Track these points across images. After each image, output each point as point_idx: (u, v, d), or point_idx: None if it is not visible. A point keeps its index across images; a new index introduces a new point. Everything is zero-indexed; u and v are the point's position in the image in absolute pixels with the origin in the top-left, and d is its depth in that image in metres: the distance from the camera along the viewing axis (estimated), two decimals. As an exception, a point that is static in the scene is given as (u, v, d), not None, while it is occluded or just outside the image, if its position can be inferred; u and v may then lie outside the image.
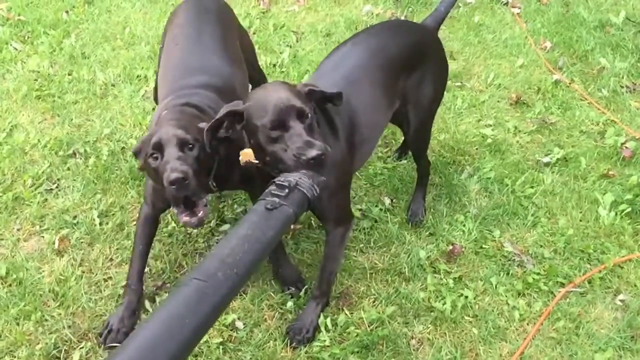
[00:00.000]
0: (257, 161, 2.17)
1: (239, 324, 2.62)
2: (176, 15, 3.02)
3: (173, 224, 2.99)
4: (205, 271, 1.66)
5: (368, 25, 4.57)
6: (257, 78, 3.30)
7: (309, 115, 2.14)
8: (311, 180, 1.99)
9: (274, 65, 4.16)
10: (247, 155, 2.18)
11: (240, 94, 2.69)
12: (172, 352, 1.50)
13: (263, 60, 4.16)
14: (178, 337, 1.52)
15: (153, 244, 2.90)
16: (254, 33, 4.48)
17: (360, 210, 3.15)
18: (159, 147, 2.29)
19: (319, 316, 2.63)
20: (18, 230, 2.94)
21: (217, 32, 2.87)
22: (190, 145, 2.29)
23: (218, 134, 2.24)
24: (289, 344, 2.55)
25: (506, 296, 2.80)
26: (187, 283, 1.64)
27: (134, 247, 2.65)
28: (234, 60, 2.88)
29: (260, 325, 2.63)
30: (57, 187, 3.17)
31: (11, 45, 4.19)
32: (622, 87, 4.14)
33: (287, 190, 1.92)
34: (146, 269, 2.81)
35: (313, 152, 2.03)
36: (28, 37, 4.29)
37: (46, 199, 3.10)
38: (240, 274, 1.69)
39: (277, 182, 1.96)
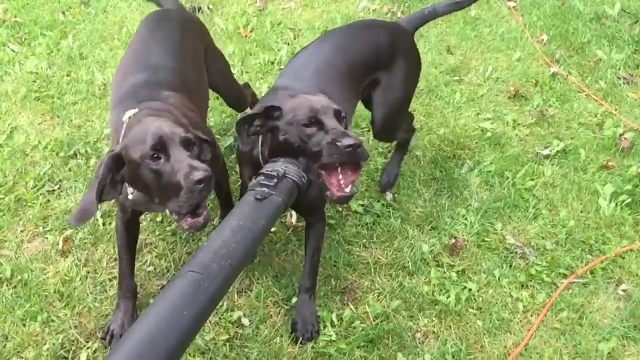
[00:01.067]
0: None
1: (245, 321, 2.63)
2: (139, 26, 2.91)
3: (175, 226, 3.00)
4: (200, 263, 1.70)
5: (365, 21, 4.62)
6: (235, 97, 3.26)
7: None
8: (297, 168, 2.02)
9: (272, 63, 4.17)
10: None
11: (193, 94, 2.62)
12: (172, 343, 1.53)
13: (261, 57, 4.17)
14: (177, 328, 1.56)
15: (157, 243, 2.94)
16: (251, 31, 4.48)
17: (362, 205, 3.17)
18: (162, 147, 2.05)
19: (315, 307, 2.65)
20: (21, 231, 2.94)
21: (173, 35, 2.74)
22: (194, 144, 2.15)
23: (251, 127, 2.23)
24: (297, 342, 2.56)
25: (509, 288, 2.82)
26: (183, 276, 1.67)
27: (120, 258, 2.57)
28: (188, 62, 2.73)
29: (265, 322, 2.64)
30: (59, 188, 3.17)
31: (8, 47, 4.18)
32: (619, 78, 4.16)
33: (275, 180, 1.96)
34: (150, 268, 2.84)
35: (350, 140, 2.07)
36: (25, 39, 4.28)
37: (48, 200, 3.10)
38: (234, 265, 1.73)
39: (265, 172, 1.99)
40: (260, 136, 2.31)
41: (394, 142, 3.28)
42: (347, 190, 2.14)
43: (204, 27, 3.10)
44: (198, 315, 1.60)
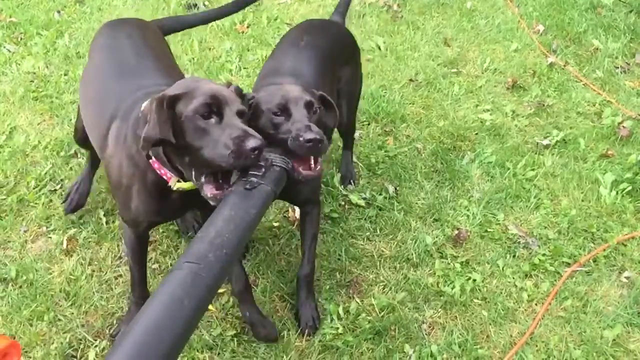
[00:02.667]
0: None
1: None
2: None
3: (179, 223, 3.00)
4: (196, 254, 1.72)
5: (361, 16, 4.63)
6: None
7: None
8: (282, 156, 2.08)
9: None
10: None
11: None
12: (176, 333, 1.55)
13: (259, 53, 4.17)
14: (179, 318, 1.58)
15: (161, 241, 2.95)
16: (248, 27, 4.48)
17: (364, 199, 3.17)
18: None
19: (315, 295, 2.67)
20: (25, 232, 2.93)
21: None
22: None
23: None
24: (304, 335, 2.57)
25: (513, 278, 2.84)
26: (180, 267, 1.69)
27: (132, 270, 2.49)
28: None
29: (272, 317, 2.65)
30: (61, 188, 3.16)
31: (4, 47, 4.16)
32: (616, 67, 4.18)
33: (263, 169, 1.99)
34: (155, 265, 2.84)
35: (311, 135, 2.10)
36: (21, 39, 4.26)
37: (51, 200, 3.09)
38: (230, 254, 1.77)
39: None
40: None
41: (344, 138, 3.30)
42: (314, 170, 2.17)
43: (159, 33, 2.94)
44: (198, 304, 1.63)
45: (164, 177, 2.06)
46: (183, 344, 1.60)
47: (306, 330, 2.58)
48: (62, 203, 3.02)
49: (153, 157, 2.05)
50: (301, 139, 2.10)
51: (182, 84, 2.03)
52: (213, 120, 1.91)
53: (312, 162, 2.17)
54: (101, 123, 2.29)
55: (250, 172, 1.96)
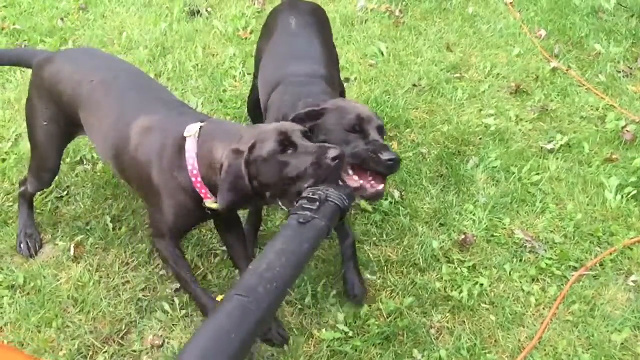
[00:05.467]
0: None
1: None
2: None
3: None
4: (246, 287, 1.71)
5: (363, 22, 4.65)
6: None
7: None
8: (340, 191, 2.03)
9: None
10: None
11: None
12: None
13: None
14: (227, 351, 1.58)
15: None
16: (251, 33, 4.49)
17: (371, 204, 3.18)
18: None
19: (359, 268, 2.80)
20: (32, 238, 2.94)
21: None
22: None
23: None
24: (353, 300, 2.71)
25: (521, 282, 2.84)
26: (230, 299, 1.68)
27: (186, 283, 2.45)
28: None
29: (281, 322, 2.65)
30: (67, 195, 3.17)
31: (9, 54, 4.17)
32: (618, 72, 4.19)
33: (318, 204, 1.96)
34: (163, 272, 2.84)
35: (392, 155, 2.32)
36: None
37: (57, 207, 3.10)
38: (280, 288, 1.74)
39: (307, 196, 2.00)
40: None
41: None
42: (380, 188, 2.35)
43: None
44: (246, 338, 1.62)
45: (202, 195, 2.27)
46: None
47: (355, 298, 2.70)
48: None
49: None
50: (382, 157, 2.28)
51: (249, 133, 2.21)
52: (289, 152, 2.13)
53: (379, 182, 2.35)
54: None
55: (304, 205, 1.96)
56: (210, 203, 2.28)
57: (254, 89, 3.33)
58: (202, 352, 1.55)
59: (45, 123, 2.65)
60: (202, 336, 1.59)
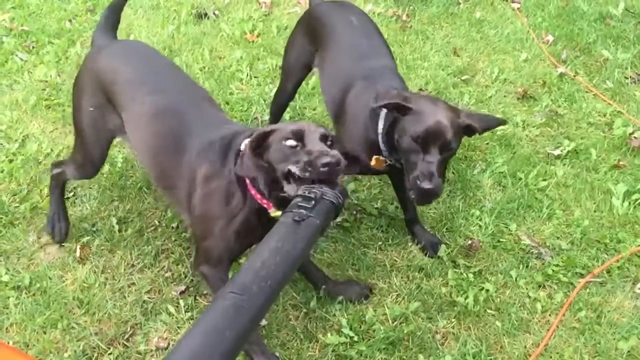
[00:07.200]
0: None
1: (264, 323, 2.63)
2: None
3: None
4: (240, 284, 1.70)
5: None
6: None
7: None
8: (334, 189, 2.03)
9: (280, 68, 4.17)
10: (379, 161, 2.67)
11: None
12: None
13: (269, 63, 4.18)
14: (219, 349, 1.57)
15: (173, 249, 2.95)
16: (258, 36, 4.49)
17: (376, 208, 3.17)
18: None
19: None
20: (38, 239, 2.94)
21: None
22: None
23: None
24: (427, 255, 2.95)
25: (527, 288, 2.83)
26: (224, 297, 1.67)
27: None
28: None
29: (286, 326, 2.64)
30: (73, 196, 3.17)
31: (17, 55, 4.18)
32: (626, 78, 4.19)
33: (313, 202, 1.95)
34: (168, 274, 2.84)
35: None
36: (33, 47, 4.28)
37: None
38: (274, 286, 1.74)
39: (303, 194, 1.99)
40: (382, 122, 2.61)
41: None
42: None
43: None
44: (239, 336, 1.61)
45: (264, 205, 2.26)
46: None
47: (429, 252, 2.96)
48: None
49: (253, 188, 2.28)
50: (421, 185, 2.43)
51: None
52: (298, 147, 2.14)
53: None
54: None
55: (299, 204, 1.95)
56: (274, 212, 2.25)
57: (282, 93, 3.38)
58: (196, 349, 1.54)
59: (91, 109, 2.65)
60: (195, 333, 1.59)
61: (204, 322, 1.63)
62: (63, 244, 2.93)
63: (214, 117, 2.56)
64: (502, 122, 2.76)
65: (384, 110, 2.60)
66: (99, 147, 2.73)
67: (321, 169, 2.04)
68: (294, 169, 2.09)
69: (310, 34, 3.13)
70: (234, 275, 1.81)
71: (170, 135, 2.47)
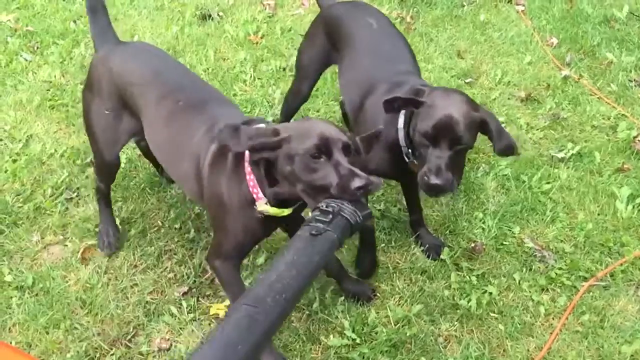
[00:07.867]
0: None
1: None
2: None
3: (194, 232, 3.00)
4: (255, 297, 1.68)
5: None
6: None
7: None
8: (353, 207, 2.01)
9: (284, 69, 4.18)
10: None
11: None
12: None
13: (273, 64, 4.18)
14: None
15: (176, 250, 2.95)
16: (262, 37, 4.50)
17: (379, 210, 3.17)
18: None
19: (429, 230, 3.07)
20: (41, 239, 2.95)
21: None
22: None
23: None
24: (430, 258, 2.95)
25: (530, 292, 2.82)
26: (238, 309, 1.66)
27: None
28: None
29: (289, 327, 2.64)
30: (77, 196, 3.18)
31: (21, 56, 4.19)
32: (630, 81, 4.17)
33: (330, 216, 1.93)
34: (170, 275, 2.84)
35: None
36: (37, 48, 4.30)
37: (67, 208, 3.11)
38: (289, 299, 1.71)
39: (321, 208, 1.98)
40: (402, 118, 2.58)
41: None
42: None
43: None
44: (252, 349, 1.59)
45: (254, 195, 2.21)
46: None
47: (431, 255, 2.96)
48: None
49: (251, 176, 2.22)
50: (428, 180, 2.40)
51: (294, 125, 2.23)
52: (322, 159, 2.08)
53: None
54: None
55: (317, 217, 1.93)
56: (263, 206, 2.22)
57: (296, 94, 3.34)
58: None
59: (107, 112, 2.65)
60: (209, 346, 1.58)
61: (217, 335, 1.62)
62: (66, 244, 2.93)
63: (234, 113, 2.54)
64: (516, 152, 2.64)
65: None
66: (114, 149, 2.72)
67: (357, 192, 2.01)
68: (330, 189, 2.05)
69: (328, 34, 3.10)
70: (249, 288, 1.81)
71: (192, 131, 2.47)
